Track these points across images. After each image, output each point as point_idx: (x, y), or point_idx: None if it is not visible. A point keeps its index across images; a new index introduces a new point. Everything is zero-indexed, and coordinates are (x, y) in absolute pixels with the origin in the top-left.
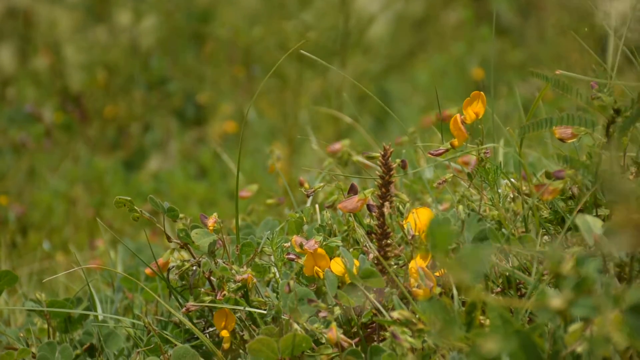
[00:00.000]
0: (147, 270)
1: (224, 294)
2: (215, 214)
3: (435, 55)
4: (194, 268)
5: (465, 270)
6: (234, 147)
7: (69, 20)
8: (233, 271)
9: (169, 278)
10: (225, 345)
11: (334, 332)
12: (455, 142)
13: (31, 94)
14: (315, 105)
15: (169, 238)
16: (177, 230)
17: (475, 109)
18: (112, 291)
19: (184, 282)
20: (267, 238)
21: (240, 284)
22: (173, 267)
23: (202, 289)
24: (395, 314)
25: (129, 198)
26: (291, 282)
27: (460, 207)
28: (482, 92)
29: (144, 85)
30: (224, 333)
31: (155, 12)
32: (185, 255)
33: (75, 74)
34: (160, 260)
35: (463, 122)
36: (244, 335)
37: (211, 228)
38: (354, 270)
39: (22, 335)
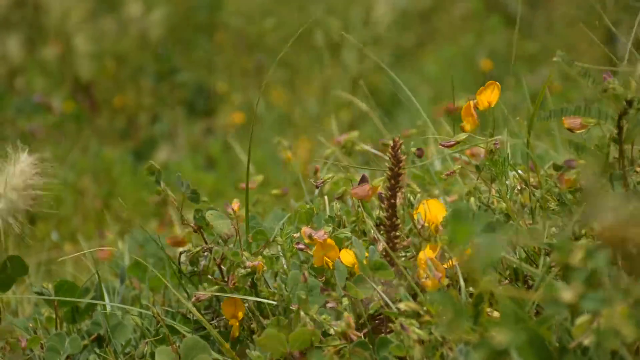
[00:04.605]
0: (168, 240)
1: (234, 282)
2: (236, 199)
3: (444, 47)
4: (205, 254)
5: (478, 262)
6: (243, 137)
7: (79, 10)
8: (244, 257)
9: (180, 263)
10: (235, 334)
11: (342, 324)
12: (467, 126)
13: (40, 83)
14: (324, 97)
15: (183, 221)
16: (194, 211)
17: (489, 98)
18: (120, 281)
19: (193, 268)
20: (280, 228)
21: (250, 270)
22: (184, 252)
23: (212, 277)
24: (402, 306)
25: (159, 167)
26: (306, 273)
27: (472, 199)
28: (497, 82)
29: (153, 76)
30: (233, 322)
31: (165, 2)
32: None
33: (85, 64)
34: (178, 238)
35: (476, 108)
36: (252, 324)
37: (237, 210)
38: (364, 262)
39: (30, 325)
